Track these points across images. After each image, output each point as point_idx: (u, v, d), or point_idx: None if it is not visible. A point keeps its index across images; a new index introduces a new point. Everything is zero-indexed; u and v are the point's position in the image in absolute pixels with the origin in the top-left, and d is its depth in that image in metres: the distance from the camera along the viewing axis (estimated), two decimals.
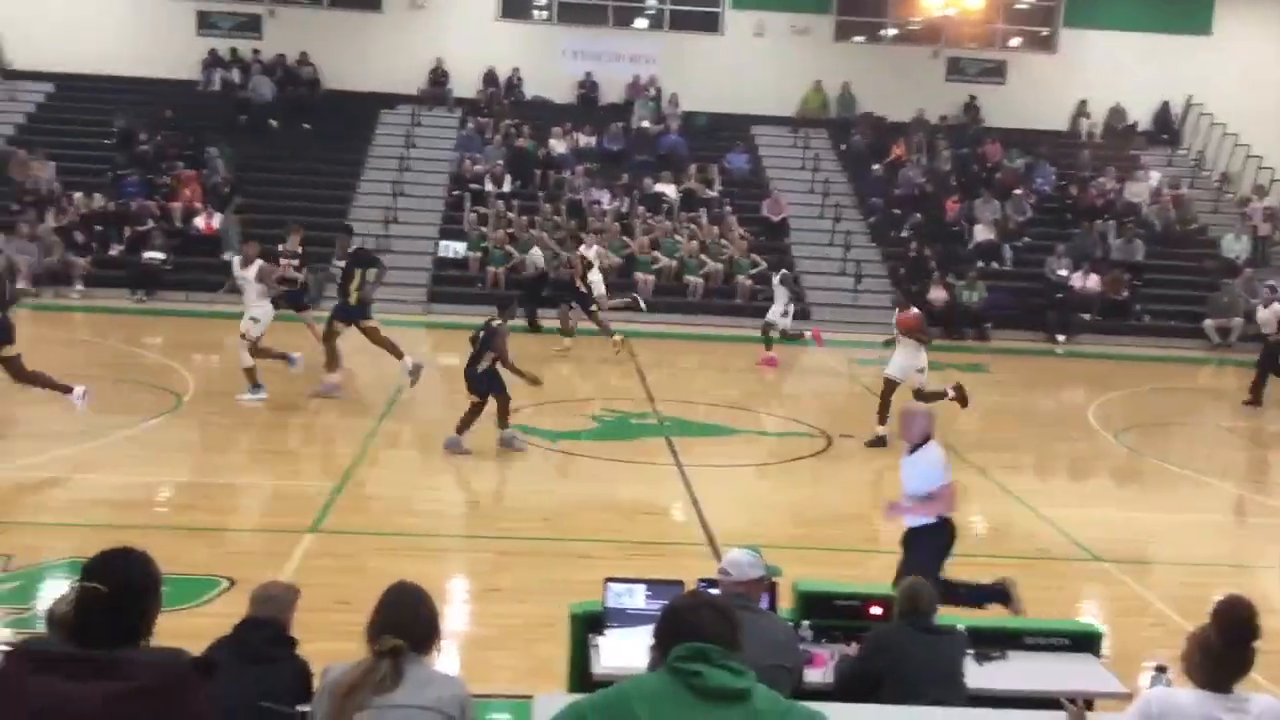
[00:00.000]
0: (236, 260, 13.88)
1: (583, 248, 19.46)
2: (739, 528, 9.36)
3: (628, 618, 5.42)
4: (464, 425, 11.47)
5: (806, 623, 5.63)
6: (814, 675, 5.19)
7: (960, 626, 5.33)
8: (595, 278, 18.52)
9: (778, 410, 15.22)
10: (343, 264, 13.80)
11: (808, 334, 18.96)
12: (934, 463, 6.99)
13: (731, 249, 22.93)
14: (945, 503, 6.91)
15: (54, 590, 6.76)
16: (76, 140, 24.49)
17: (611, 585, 5.57)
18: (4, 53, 26.39)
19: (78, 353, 15.80)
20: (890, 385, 12.78)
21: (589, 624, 5.55)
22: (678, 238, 23.04)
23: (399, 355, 13.59)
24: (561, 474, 11.44)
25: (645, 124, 26.82)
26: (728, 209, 24.25)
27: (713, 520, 9.82)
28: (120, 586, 3.06)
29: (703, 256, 22.58)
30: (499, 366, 11.35)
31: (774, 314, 17.90)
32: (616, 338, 17.69)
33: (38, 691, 2.94)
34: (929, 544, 7.00)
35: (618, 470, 11.50)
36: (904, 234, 24.39)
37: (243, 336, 13.21)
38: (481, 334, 11.42)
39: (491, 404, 11.51)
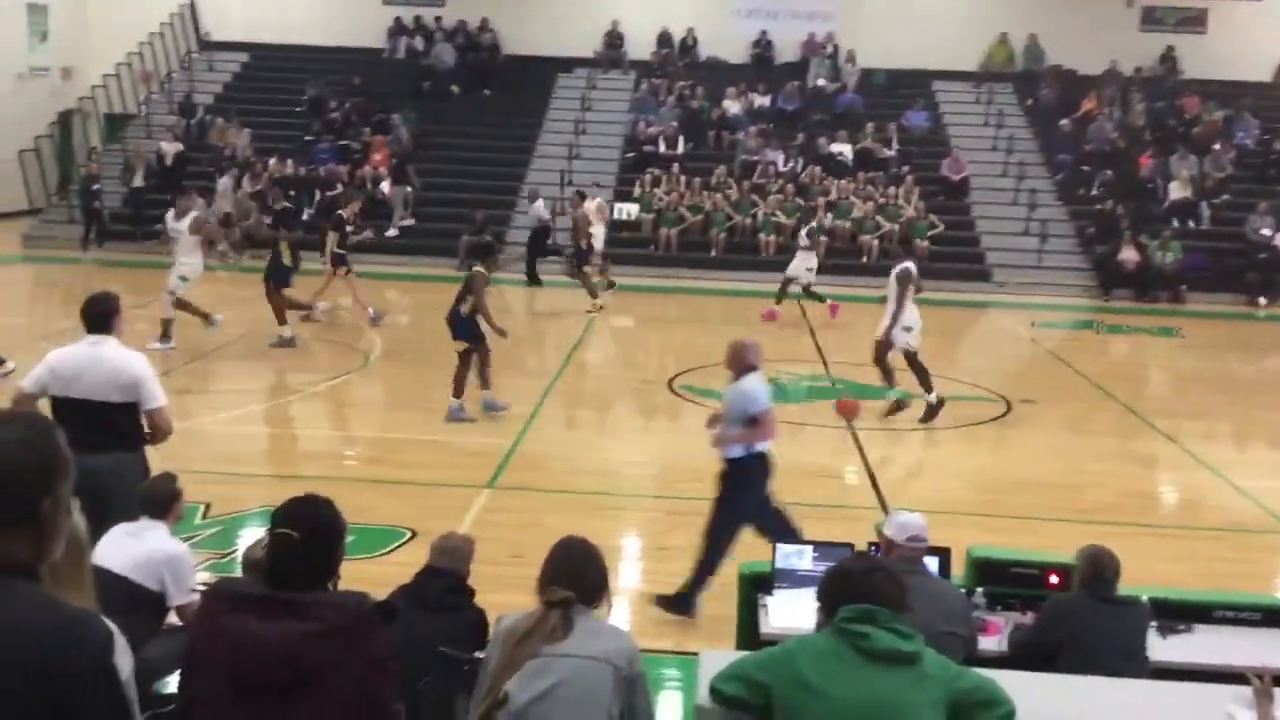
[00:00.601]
0: (170, 213, 14.42)
1: (585, 203, 19.42)
2: (913, 493, 9.22)
3: (796, 579, 5.41)
4: (477, 383, 11.14)
5: (980, 590, 5.52)
6: (988, 643, 5.09)
7: (1144, 598, 5.14)
8: (597, 231, 18.66)
9: (956, 374, 14.87)
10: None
11: (829, 301, 17.51)
12: (756, 389, 6.85)
13: (908, 210, 22.44)
14: (766, 429, 6.84)
15: (249, 536, 7.16)
16: (270, 108, 25.56)
17: (780, 546, 5.57)
18: (204, 25, 27.74)
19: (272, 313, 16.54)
20: (884, 347, 11.67)
21: (757, 584, 5.56)
22: (853, 199, 22.67)
23: (282, 321, 13.95)
24: None
25: (821, 82, 26.40)
26: (905, 168, 23.72)
27: (886, 485, 9.70)
28: (308, 532, 3.22)
29: (878, 218, 22.17)
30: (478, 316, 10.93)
31: (796, 268, 17.36)
32: (598, 303, 17.75)
33: (233, 628, 3.12)
34: (749, 479, 6.90)
35: (789, 432, 11.41)
36: (1094, 192, 23.42)
37: (170, 292, 13.60)
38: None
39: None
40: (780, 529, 6.75)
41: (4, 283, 18.75)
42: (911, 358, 11.57)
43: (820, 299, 17.42)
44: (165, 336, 13.43)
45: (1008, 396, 13.16)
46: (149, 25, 26.46)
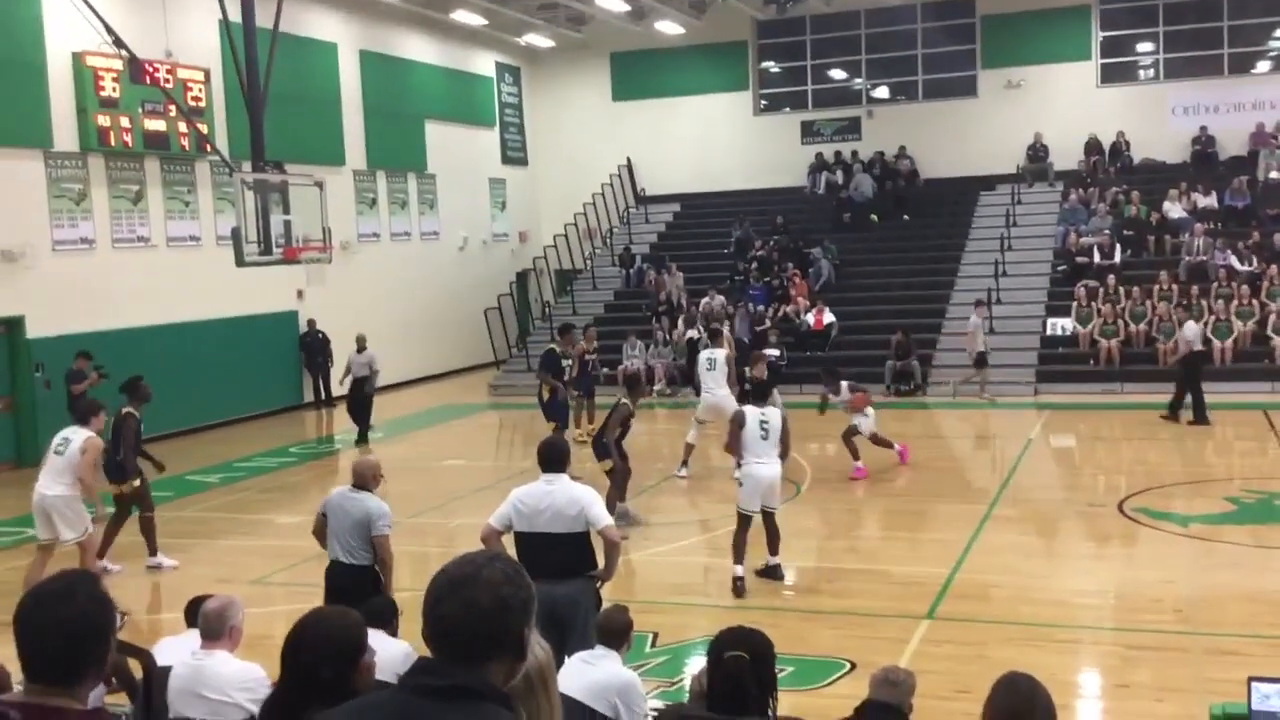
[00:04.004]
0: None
1: (584, 340, 18.42)
2: None
3: None
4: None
5: None
6: None
7: None
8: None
9: None
10: None
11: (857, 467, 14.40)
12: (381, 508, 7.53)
13: None
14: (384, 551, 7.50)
15: (696, 664, 7.37)
16: (699, 252, 26.98)
17: (1257, 685, 5.01)
18: (639, 182, 30.00)
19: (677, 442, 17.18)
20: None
21: None
22: None
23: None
24: (1196, 562, 10.50)
25: (1274, 175, 24.35)
26: None
27: None
28: (753, 657, 3.30)
29: None
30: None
31: (864, 423, 14.28)
32: (579, 432, 16.92)
33: None
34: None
35: (1264, 557, 10.38)
36: None
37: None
38: None
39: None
40: None
41: (476, 428, 20.73)
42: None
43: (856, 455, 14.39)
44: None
45: None
46: (591, 187, 28.94)
